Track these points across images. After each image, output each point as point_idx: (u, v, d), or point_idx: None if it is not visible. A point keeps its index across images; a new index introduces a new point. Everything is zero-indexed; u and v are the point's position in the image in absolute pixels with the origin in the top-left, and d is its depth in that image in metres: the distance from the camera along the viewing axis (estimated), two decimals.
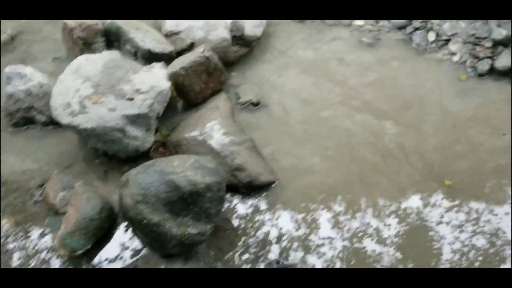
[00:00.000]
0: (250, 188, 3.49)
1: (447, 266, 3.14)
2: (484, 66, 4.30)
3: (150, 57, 4.23)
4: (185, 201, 2.89)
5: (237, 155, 3.47)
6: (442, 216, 3.39)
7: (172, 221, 2.88)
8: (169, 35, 4.50)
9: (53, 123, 3.88)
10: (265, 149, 3.77)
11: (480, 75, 4.29)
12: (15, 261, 3.22)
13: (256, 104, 4.11)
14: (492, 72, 4.28)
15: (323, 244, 3.28)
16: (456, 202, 3.46)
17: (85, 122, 3.43)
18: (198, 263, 3.07)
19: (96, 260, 3.20)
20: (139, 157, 3.64)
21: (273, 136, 3.92)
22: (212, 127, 3.61)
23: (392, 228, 3.35)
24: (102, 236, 3.26)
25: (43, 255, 3.25)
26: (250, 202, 3.49)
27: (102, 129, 3.42)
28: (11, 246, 3.30)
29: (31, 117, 4.00)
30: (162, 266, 3.00)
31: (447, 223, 3.35)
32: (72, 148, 3.84)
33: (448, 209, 3.42)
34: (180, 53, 4.37)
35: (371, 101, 4.16)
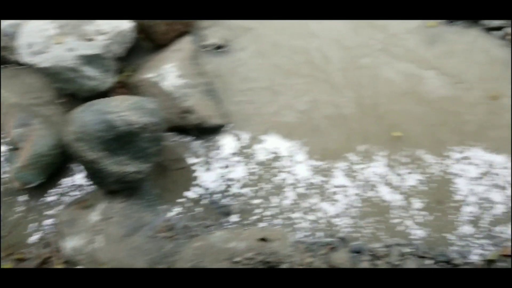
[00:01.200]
0: (199, 131, 3.55)
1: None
2: None
3: None
4: (121, 140, 2.98)
5: (188, 98, 3.52)
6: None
7: (109, 159, 2.99)
8: None
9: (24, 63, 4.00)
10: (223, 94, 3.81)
11: (450, 21, 4.12)
12: None
13: (219, 47, 4.08)
14: None
15: (266, 193, 3.35)
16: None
17: (42, 61, 3.52)
18: (141, 200, 3.20)
19: (48, 193, 3.39)
20: (98, 97, 3.73)
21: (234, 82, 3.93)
22: (168, 69, 3.65)
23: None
24: (55, 171, 3.43)
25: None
26: (199, 144, 3.56)
27: (57, 69, 3.50)
28: None
29: (5, 56, 4.13)
30: (106, 202, 3.15)
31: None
32: (39, 87, 3.95)
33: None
34: None
35: None
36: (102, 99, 3.15)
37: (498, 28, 4.04)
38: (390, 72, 3.93)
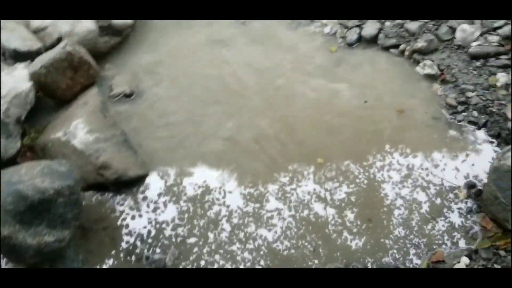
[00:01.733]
0: (119, 185, 3.39)
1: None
2: (352, 35, 4.33)
3: (18, 57, 4.05)
4: (35, 210, 2.77)
5: (102, 153, 3.37)
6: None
7: (25, 232, 2.76)
8: (37, 31, 4.30)
9: None
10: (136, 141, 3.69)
11: (349, 44, 4.31)
12: None
13: (129, 95, 3.98)
14: (360, 41, 4.33)
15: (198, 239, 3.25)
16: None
17: None
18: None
19: None
20: (5, 166, 3.48)
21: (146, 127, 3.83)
22: (77, 125, 3.48)
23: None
24: None
25: None
26: (121, 198, 3.40)
27: None
28: None
29: None
30: None
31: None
32: None
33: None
34: (50, 49, 4.17)
35: None
36: (8, 169, 2.93)
37: (395, 46, 4.28)
38: (306, 89, 4.05)
